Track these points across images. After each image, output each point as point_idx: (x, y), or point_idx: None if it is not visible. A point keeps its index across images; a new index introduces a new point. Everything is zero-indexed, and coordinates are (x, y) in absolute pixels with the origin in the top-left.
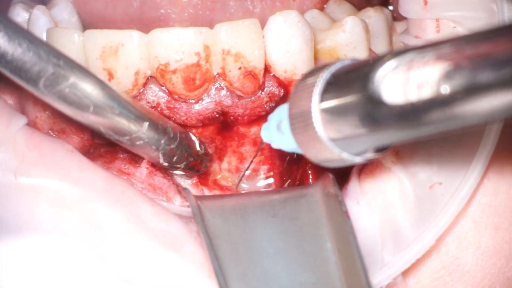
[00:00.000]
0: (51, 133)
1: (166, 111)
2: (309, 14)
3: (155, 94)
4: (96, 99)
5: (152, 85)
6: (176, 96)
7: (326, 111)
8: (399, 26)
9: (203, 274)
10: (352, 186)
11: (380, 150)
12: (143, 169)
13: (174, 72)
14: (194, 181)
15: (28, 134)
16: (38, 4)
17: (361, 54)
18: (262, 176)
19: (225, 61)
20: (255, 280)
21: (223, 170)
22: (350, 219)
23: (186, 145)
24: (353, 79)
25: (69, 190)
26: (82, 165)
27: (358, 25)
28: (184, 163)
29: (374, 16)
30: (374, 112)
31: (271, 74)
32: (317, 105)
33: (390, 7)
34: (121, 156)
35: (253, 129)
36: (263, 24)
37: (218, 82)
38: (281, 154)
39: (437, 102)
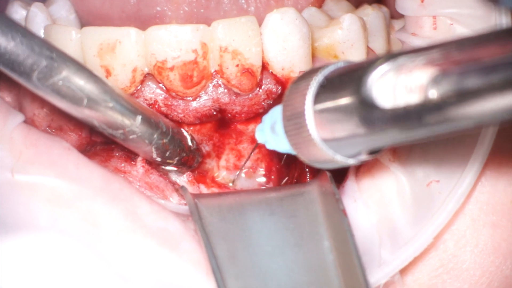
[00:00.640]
0: (49, 130)
1: (163, 108)
2: (307, 12)
3: (153, 91)
4: (89, 92)
5: (149, 82)
6: (174, 93)
7: (319, 113)
8: (397, 24)
9: (200, 272)
10: (350, 184)
11: (373, 152)
12: (139, 168)
13: (171, 69)
14: (190, 179)
15: (25, 131)
16: (36, 1)
17: (358, 51)
18: (260, 174)
19: (223, 58)
20: (253, 278)
21: (221, 167)
22: (347, 217)
23: (178, 139)
24: (346, 82)
25: (66, 187)
26: (79, 163)
27: (355, 23)
28: (176, 158)
29: (372, 13)
30: (367, 115)
31: (268, 72)
32: (310, 108)
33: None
34: (117, 154)
35: (251, 127)
36: (259, 22)
37: (216, 79)
38: (278, 152)
39: (426, 107)
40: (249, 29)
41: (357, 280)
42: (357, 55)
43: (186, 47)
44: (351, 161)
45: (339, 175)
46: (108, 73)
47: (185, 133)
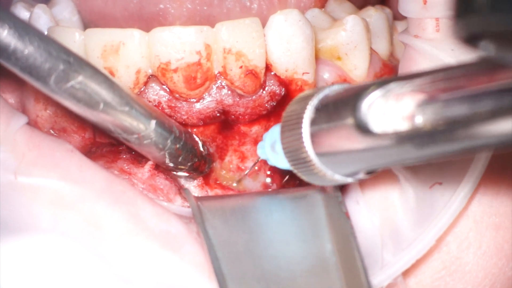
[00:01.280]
0: (52, 132)
1: (167, 110)
2: (310, 13)
3: (156, 93)
4: (106, 97)
5: (153, 84)
6: (177, 95)
7: (316, 136)
8: (400, 25)
9: (203, 274)
10: (352, 186)
11: (371, 172)
12: (146, 170)
13: (175, 70)
14: (200, 183)
15: (28, 133)
16: (39, 3)
17: (362, 53)
18: (263, 176)
19: (226, 60)
20: (255, 281)
21: (224, 169)
22: (350, 219)
23: (190, 145)
24: (341, 107)
25: (68, 189)
26: (82, 165)
27: (359, 24)
28: (189, 164)
29: (375, 15)
30: (361, 139)
31: (272, 73)
32: (307, 132)
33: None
34: (124, 156)
35: (254, 128)
36: (262, 20)
37: (219, 81)
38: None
39: (414, 133)
40: (253, 30)
41: (359, 282)
42: (360, 57)
43: (190, 49)
44: (350, 180)
45: None
46: (112, 74)
47: (196, 138)
